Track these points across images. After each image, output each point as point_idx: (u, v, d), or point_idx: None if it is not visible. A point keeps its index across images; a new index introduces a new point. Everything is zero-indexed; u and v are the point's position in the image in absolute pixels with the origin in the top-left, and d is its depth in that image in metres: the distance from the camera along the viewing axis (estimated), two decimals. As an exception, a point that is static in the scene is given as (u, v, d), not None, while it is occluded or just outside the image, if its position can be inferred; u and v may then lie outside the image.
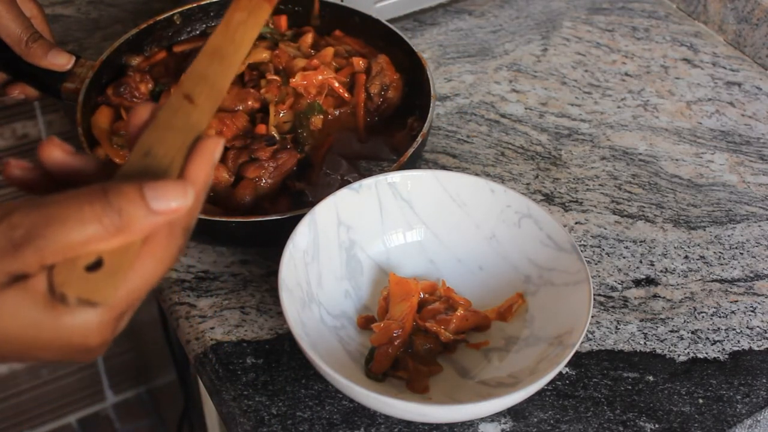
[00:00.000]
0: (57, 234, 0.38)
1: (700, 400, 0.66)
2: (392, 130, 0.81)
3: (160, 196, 0.40)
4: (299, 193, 0.74)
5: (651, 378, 0.67)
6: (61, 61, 0.78)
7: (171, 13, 0.87)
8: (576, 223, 0.79)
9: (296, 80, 0.80)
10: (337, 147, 0.79)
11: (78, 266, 0.39)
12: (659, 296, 0.73)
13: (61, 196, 0.39)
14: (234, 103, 0.78)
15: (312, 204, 0.67)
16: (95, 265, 0.39)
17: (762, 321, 0.71)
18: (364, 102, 0.82)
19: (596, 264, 0.75)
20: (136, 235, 0.40)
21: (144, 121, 0.44)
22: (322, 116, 0.80)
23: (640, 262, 0.75)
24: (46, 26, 0.79)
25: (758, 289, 0.74)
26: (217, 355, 0.67)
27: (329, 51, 0.84)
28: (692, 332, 0.70)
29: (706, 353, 0.69)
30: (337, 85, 0.81)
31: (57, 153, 0.43)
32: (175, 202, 0.40)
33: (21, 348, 0.41)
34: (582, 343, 0.69)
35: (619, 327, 0.70)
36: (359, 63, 0.83)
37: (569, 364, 0.67)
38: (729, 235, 0.78)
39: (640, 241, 0.77)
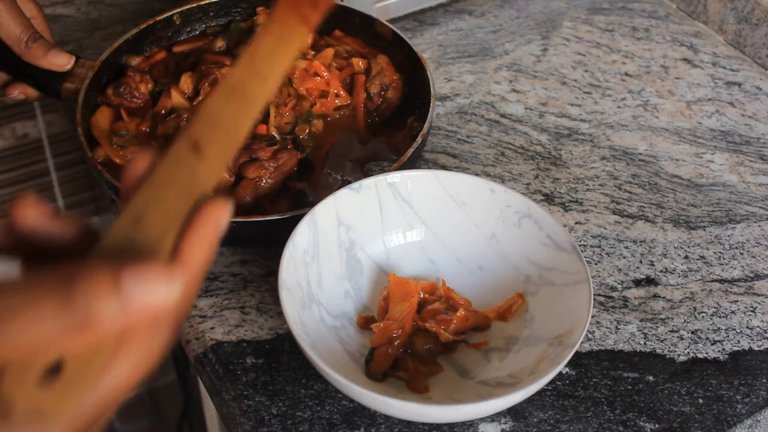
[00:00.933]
0: (9, 332, 0.31)
1: (700, 400, 0.65)
2: (392, 130, 0.81)
3: (140, 286, 0.32)
4: (299, 193, 0.74)
5: (651, 378, 0.67)
6: (61, 61, 0.78)
7: (171, 13, 0.87)
8: (576, 223, 0.78)
9: (304, 93, 0.80)
10: (338, 148, 0.79)
11: (33, 370, 0.32)
12: (659, 296, 0.73)
13: (21, 283, 0.32)
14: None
15: (312, 204, 0.67)
16: (57, 368, 0.33)
17: (762, 321, 0.71)
18: (364, 102, 0.82)
19: (596, 264, 0.75)
20: (106, 333, 0.32)
21: (142, 174, 0.36)
22: (322, 119, 0.80)
23: (640, 262, 0.75)
24: (46, 26, 0.79)
25: (758, 289, 0.74)
26: (217, 355, 0.67)
27: (329, 52, 0.84)
28: (692, 332, 0.70)
29: (706, 353, 0.69)
30: (339, 89, 0.81)
31: (32, 215, 0.35)
32: (157, 295, 0.32)
33: None
34: (582, 343, 0.69)
35: (619, 327, 0.70)
36: (359, 63, 0.83)
37: (569, 364, 0.67)
38: (729, 235, 0.78)
39: (640, 241, 0.77)
